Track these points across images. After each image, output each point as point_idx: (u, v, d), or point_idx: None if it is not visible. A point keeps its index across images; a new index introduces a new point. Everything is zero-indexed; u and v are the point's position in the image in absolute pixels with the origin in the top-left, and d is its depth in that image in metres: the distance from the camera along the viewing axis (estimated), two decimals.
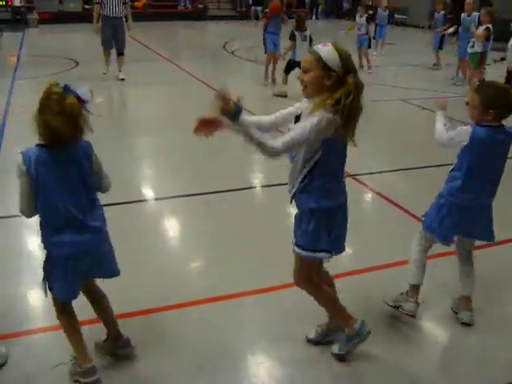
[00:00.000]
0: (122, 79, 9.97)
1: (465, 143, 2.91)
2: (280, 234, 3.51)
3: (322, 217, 2.54)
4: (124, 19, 9.83)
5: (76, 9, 21.02)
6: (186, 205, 4.95)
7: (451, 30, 11.73)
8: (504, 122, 2.94)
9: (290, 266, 2.73)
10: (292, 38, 9.14)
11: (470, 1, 10.54)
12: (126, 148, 6.32)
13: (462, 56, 10.45)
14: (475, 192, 2.98)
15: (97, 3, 9.72)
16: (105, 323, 2.82)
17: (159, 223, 4.62)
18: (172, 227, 4.69)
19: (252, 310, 3.33)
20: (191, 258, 4.03)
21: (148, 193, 5.27)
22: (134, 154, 6.24)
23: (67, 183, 2.39)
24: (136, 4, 16.65)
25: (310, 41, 9.16)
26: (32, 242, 3.98)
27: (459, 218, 3.01)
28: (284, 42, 9.85)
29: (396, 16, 21.62)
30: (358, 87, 2.38)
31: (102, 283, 2.77)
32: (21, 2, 19.52)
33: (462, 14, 10.70)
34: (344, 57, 2.40)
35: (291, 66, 9.10)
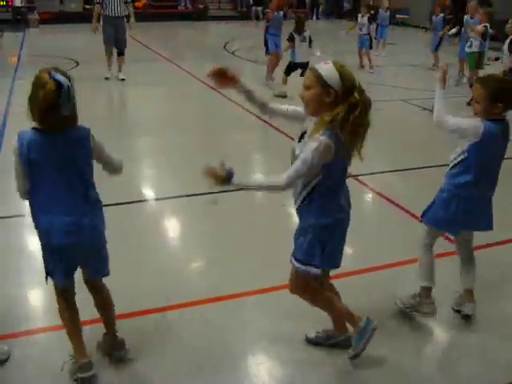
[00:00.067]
0: (123, 79, 9.97)
1: (476, 140, 2.87)
2: (280, 234, 3.52)
3: (319, 232, 2.57)
4: (125, 19, 9.85)
5: (77, 9, 21.02)
6: (187, 205, 4.95)
7: (453, 31, 11.71)
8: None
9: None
10: (290, 39, 9.13)
11: (474, 3, 10.50)
12: (126, 148, 6.30)
13: (464, 57, 10.45)
14: (486, 185, 3.00)
15: (97, 3, 9.73)
16: (101, 317, 2.80)
17: (159, 223, 4.62)
18: (172, 227, 4.69)
19: (252, 310, 3.33)
20: (191, 258, 4.03)
21: (148, 193, 5.27)
22: (134, 154, 6.24)
23: (57, 168, 2.38)
24: (136, 4, 16.68)
25: (310, 41, 9.17)
26: (32, 241, 3.97)
27: (471, 212, 3.02)
28: (285, 43, 9.84)
29: (397, 16, 21.62)
30: (365, 103, 2.40)
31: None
32: (21, 2, 19.51)
33: (465, 16, 10.66)
34: (344, 76, 2.41)
35: (291, 67, 9.12)
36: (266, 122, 7.16)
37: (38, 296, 3.45)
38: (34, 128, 2.37)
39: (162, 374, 2.77)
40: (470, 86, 8.88)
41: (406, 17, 22.55)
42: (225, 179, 2.40)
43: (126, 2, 9.72)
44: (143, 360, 2.84)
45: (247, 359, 2.93)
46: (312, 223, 2.56)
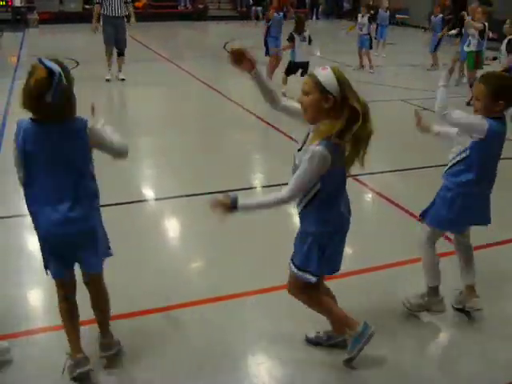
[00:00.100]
0: (123, 79, 9.97)
1: (481, 136, 2.85)
2: (280, 234, 3.52)
3: (317, 239, 2.58)
4: (125, 19, 9.85)
5: (76, 9, 21.05)
6: (187, 205, 4.95)
7: (453, 31, 11.70)
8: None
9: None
10: (290, 39, 9.15)
11: (475, 5, 10.46)
12: None
13: (464, 57, 10.44)
14: (486, 183, 3.02)
15: (97, 3, 9.73)
16: (96, 317, 2.78)
17: (159, 223, 4.62)
18: (172, 227, 4.69)
19: (252, 310, 3.33)
20: (191, 258, 4.03)
21: (148, 193, 5.27)
22: (133, 153, 6.17)
23: (52, 159, 2.38)
24: (136, 4, 16.67)
25: (310, 41, 9.19)
26: (32, 242, 3.96)
27: (471, 209, 3.03)
28: (285, 43, 9.84)
29: (397, 16, 21.63)
30: (364, 111, 2.39)
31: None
32: (21, 2, 19.54)
33: (467, 17, 10.64)
34: (342, 81, 2.41)
35: (292, 68, 9.12)
36: (266, 122, 7.17)
37: (38, 296, 3.46)
38: (31, 118, 2.36)
39: (162, 374, 2.77)
40: (470, 86, 8.89)
41: (406, 17, 22.56)
42: (231, 207, 2.46)
43: (126, 2, 9.72)
44: (143, 360, 2.84)
45: (247, 359, 2.93)
46: (312, 231, 2.58)
